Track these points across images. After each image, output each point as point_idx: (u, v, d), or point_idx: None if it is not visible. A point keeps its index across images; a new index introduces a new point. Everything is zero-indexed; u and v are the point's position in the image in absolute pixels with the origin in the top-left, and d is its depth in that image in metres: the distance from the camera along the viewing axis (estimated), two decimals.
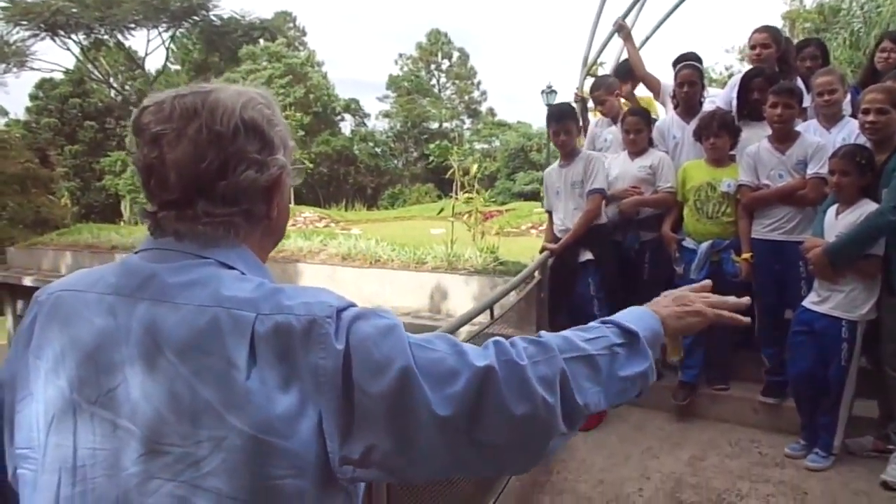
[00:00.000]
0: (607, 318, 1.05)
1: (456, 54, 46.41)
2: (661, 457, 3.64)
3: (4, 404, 0.97)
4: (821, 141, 3.66)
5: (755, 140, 3.87)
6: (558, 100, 20.22)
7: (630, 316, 1.07)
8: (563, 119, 4.00)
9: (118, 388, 0.86)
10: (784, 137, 3.71)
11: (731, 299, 1.21)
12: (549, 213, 4.23)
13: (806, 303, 3.43)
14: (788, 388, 3.66)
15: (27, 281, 12.38)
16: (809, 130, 3.81)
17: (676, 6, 5.98)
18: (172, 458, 0.82)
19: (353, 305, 0.89)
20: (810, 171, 3.61)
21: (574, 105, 5.67)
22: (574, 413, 0.92)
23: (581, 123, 5.57)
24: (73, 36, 31.69)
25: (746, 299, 1.20)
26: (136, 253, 0.95)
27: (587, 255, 3.92)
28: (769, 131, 3.80)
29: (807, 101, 4.00)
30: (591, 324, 1.05)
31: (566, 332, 1.00)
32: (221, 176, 0.90)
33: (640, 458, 3.64)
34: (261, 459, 0.81)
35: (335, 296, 0.89)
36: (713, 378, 4.10)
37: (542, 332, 1.00)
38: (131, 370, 0.85)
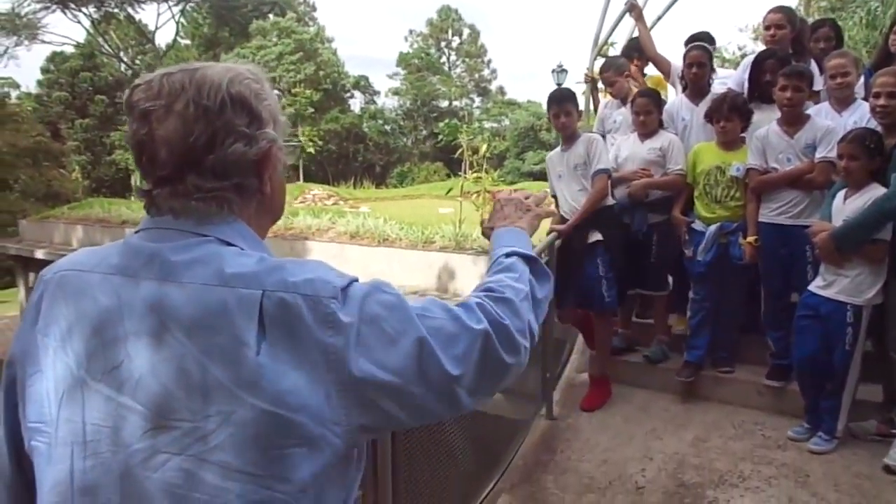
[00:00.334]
0: (508, 250, 1.21)
1: (466, 31, 46.08)
2: (664, 438, 3.67)
3: (16, 380, 0.99)
4: (830, 124, 3.63)
5: (767, 123, 3.84)
6: (569, 79, 20.08)
7: (515, 240, 1.26)
8: (564, 102, 3.98)
9: (121, 365, 0.87)
10: (793, 120, 3.68)
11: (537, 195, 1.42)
12: (555, 196, 4.23)
13: (812, 287, 3.42)
14: (793, 371, 3.67)
15: (39, 254, 12.50)
16: (821, 113, 3.78)
17: None
18: (180, 433, 0.84)
19: (355, 280, 0.92)
20: (819, 154, 3.58)
21: (584, 85, 5.67)
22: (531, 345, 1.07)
23: (592, 104, 5.57)
24: (84, 9, 31.62)
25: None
26: (136, 232, 0.96)
27: (596, 236, 3.92)
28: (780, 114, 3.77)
29: (820, 84, 3.96)
30: (499, 257, 1.20)
31: (500, 278, 1.12)
32: (210, 150, 0.91)
33: (643, 439, 3.67)
34: (270, 431, 0.83)
35: (335, 272, 0.92)
36: (718, 360, 4.12)
37: (488, 282, 1.11)
38: (135, 348, 0.87)
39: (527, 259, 1.19)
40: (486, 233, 1.36)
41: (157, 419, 0.85)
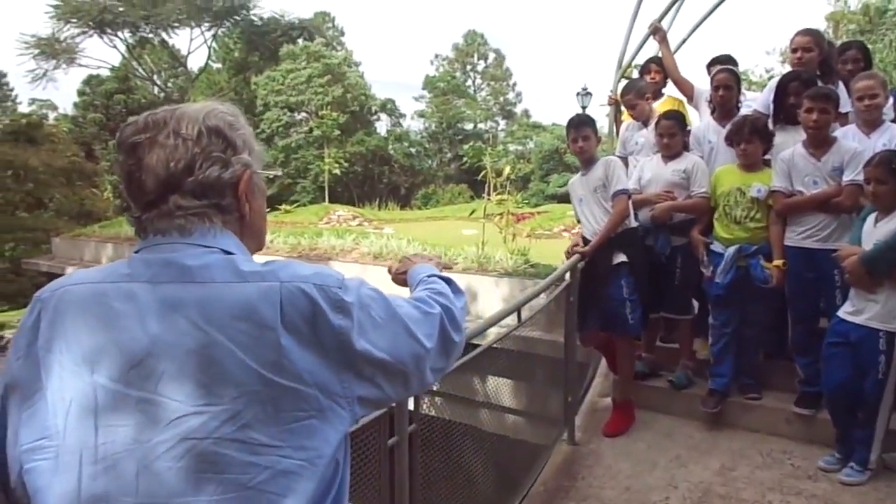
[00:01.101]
0: (427, 273, 1.45)
1: (492, 55, 46.38)
2: (689, 465, 3.60)
3: (8, 410, 1.00)
4: (857, 147, 3.56)
5: (791, 145, 3.80)
6: (593, 102, 20.09)
7: (429, 270, 1.48)
8: (581, 126, 4.00)
9: (141, 362, 0.93)
10: (819, 143, 3.63)
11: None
12: (579, 221, 4.22)
13: (841, 313, 3.34)
14: (823, 399, 3.57)
15: (70, 271, 12.71)
16: (849, 136, 3.72)
17: (714, 8, 5.88)
18: (209, 416, 0.91)
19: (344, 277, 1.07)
20: (846, 178, 3.52)
21: (608, 108, 5.67)
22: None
23: (615, 126, 5.56)
24: (120, 34, 32.58)
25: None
26: (136, 253, 1.03)
27: (621, 258, 3.89)
28: (805, 136, 3.73)
29: (848, 106, 3.91)
30: (421, 277, 1.43)
31: (432, 286, 1.34)
32: (189, 173, 1.01)
33: (667, 467, 3.60)
34: (291, 406, 0.94)
35: (332, 270, 1.07)
36: (744, 386, 4.03)
37: (422, 289, 1.34)
38: (158, 345, 0.93)
39: (444, 279, 1.41)
40: (399, 279, 1.60)
41: (182, 408, 0.91)
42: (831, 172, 3.58)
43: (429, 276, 1.43)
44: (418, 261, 1.60)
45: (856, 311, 3.26)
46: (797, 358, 3.81)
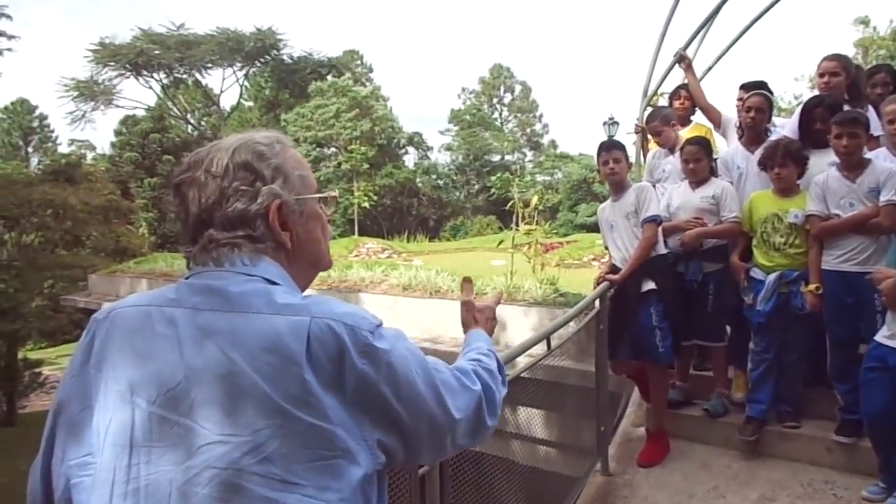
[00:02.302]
0: (486, 350, 1.37)
1: (518, 88, 46.80)
2: (727, 496, 3.52)
3: (58, 425, 1.05)
4: (893, 167, 3.52)
5: (819, 168, 3.77)
6: (620, 131, 20.08)
7: (484, 341, 1.43)
8: (612, 149, 4.02)
9: (177, 386, 0.96)
10: (854, 166, 3.59)
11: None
12: (607, 248, 4.21)
13: (878, 337, 3.27)
14: (864, 426, 3.48)
15: (106, 307, 12.96)
16: (879, 158, 3.68)
17: (739, 36, 5.91)
18: (230, 447, 0.91)
19: (383, 324, 1.06)
20: (884, 198, 3.47)
21: (635, 136, 5.68)
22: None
23: (642, 154, 5.56)
24: (155, 75, 33.74)
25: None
26: (186, 279, 1.08)
27: (650, 285, 3.86)
28: (833, 158, 3.70)
29: (879, 129, 3.87)
30: (479, 345, 1.38)
31: (481, 358, 1.30)
32: (217, 208, 1.06)
33: (704, 498, 3.52)
34: (315, 444, 0.93)
35: (369, 313, 1.06)
36: (783, 414, 3.93)
37: (473, 355, 1.31)
38: (192, 371, 0.96)
39: (497, 361, 1.36)
40: (467, 319, 1.55)
41: (210, 436, 0.92)
42: (868, 194, 3.54)
43: (487, 352, 1.37)
44: (490, 315, 1.56)
45: (893, 334, 3.19)
46: (836, 385, 3.72)
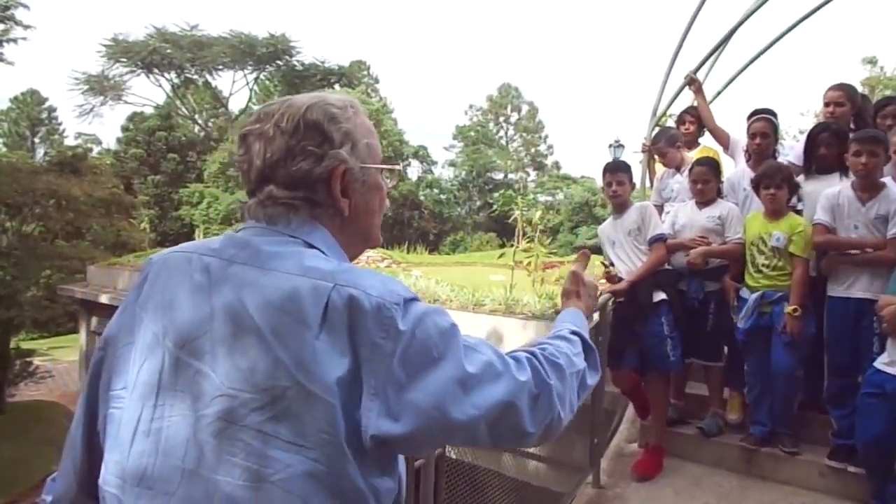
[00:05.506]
0: (576, 329, 1.26)
1: (525, 108, 47.02)
2: None
3: (105, 358, 1.08)
4: None
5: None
6: (625, 154, 20.18)
7: (581, 324, 1.31)
8: (617, 171, 4.11)
9: (203, 336, 0.97)
10: (868, 187, 3.58)
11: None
12: (611, 264, 4.24)
13: (878, 364, 3.28)
14: (858, 452, 3.48)
15: (103, 298, 12.94)
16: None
17: (750, 63, 5.97)
18: (239, 403, 0.91)
19: (418, 299, 1.00)
20: (891, 231, 3.48)
21: (641, 155, 5.73)
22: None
23: (649, 174, 5.61)
24: (166, 74, 33.84)
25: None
26: (238, 231, 1.09)
27: (661, 295, 3.93)
28: (836, 184, 3.73)
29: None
30: (564, 327, 1.26)
31: (560, 345, 1.17)
32: (282, 165, 1.05)
33: None
34: (317, 413, 0.90)
35: (403, 286, 1.00)
36: (780, 437, 3.89)
37: (546, 342, 1.17)
38: (215, 323, 0.97)
39: (587, 345, 1.24)
40: (568, 295, 1.43)
41: (223, 388, 0.93)
42: (874, 220, 3.54)
43: (573, 333, 1.24)
44: (592, 293, 1.45)
45: (892, 361, 3.20)
46: (832, 409, 3.72)
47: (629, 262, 4.03)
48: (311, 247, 1.04)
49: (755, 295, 3.82)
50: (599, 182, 4.25)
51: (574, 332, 1.24)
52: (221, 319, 0.96)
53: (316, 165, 1.06)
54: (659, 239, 3.99)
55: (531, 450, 4.18)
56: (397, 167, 1.20)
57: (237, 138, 1.11)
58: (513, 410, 0.98)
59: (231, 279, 0.99)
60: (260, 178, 1.06)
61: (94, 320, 13.74)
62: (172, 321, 1.00)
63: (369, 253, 18.70)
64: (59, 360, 21.22)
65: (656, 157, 5.12)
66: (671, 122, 5.61)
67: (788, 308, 3.68)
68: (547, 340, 1.17)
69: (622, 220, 4.09)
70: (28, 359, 17.67)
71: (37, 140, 42.23)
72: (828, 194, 3.72)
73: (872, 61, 27.16)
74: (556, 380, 1.06)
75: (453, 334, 0.98)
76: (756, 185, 3.92)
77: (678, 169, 4.69)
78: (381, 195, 1.16)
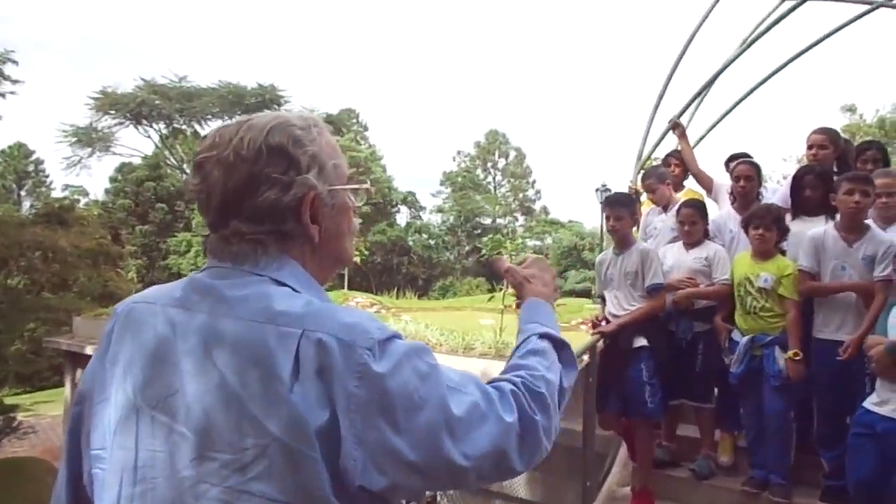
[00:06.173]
0: (542, 330, 1.19)
1: (513, 153, 47.71)
2: None
3: (82, 413, 1.04)
4: (894, 239, 3.53)
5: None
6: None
7: (548, 318, 1.24)
8: (615, 205, 4.07)
9: (175, 394, 0.92)
10: (854, 228, 3.61)
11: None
12: (602, 297, 4.24)
13: (867, 404, 3.27)
14: (850, 493, 3.45)
15: (89, 349, 12.81)
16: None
17: (733, 108, 6.12)
18: (219, 464, 0.87)
19: (397, 336, 0.94)
20: (878, 273, 3.48)
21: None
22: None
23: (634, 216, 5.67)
24: (155, 125, 34.04)
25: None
26: (201, 271, 1.02)
27: (641, 341, 3.89)
28: (821, 226, 3.77)
29: None
30: (531, 335, 1.19)
31: (534, 365, 1.11)
32: (246, 196, 0.96)
33: None
34: (300, 468, 0.85)
35: (378, 325, 0.93)
36: (773, 486, 3.77)
37: (522, 365, 1.11)
38: (186, 378, 0.91)
39: (559, 344, 1.19)
40: (520, 290, 1.34)
41: (201, 448, 0.88)
42: (862, 261, 3.55)
43: (540, 337, 1.18)
44: (548, 280, 1.35)
45: (881, 401, 3.20)
46: (822, 451, 3.70)
47: (620, 305, 4.02)
48: (281, 284, 0.96)
49: (746, 339, 3.82)
50: (587, 226, 4.29)
51: (543, 335, 1.19)
52: (191, 376, 0.91)
53: (283, 195, 0.97)
54: (658, 288, 3.94)
55: (523, 495, 4.13)
56: (365, 186, 1.13)
57: (193, 166, 1.01)
58: (502, 456, 0.94)
59: (197, 332, 0.92)
60: (222, 210, 0.98)
61: (80, 372, 13.54)
62: (144, 378, 0.95)
63: (358, 298, 18.67)
64: (42, 414, 20.75)
65: (646, 193, 5.19)
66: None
67: (789, 353, 3.66)
68: (522, 363, 1.11)
69: (622, 258, 4.04)
70: (11, 414, 17.30)
71: (23, 193, 42.23)
72: (812, 236, 3.73)
73: (852, 109, 27.74)
74: (541, 414, 1.01)
75: (435, 375, 0.92)
76: (745, 224, 3.94)
77: (665, 208, 4.74)
78: (350, 216, 1.09)
